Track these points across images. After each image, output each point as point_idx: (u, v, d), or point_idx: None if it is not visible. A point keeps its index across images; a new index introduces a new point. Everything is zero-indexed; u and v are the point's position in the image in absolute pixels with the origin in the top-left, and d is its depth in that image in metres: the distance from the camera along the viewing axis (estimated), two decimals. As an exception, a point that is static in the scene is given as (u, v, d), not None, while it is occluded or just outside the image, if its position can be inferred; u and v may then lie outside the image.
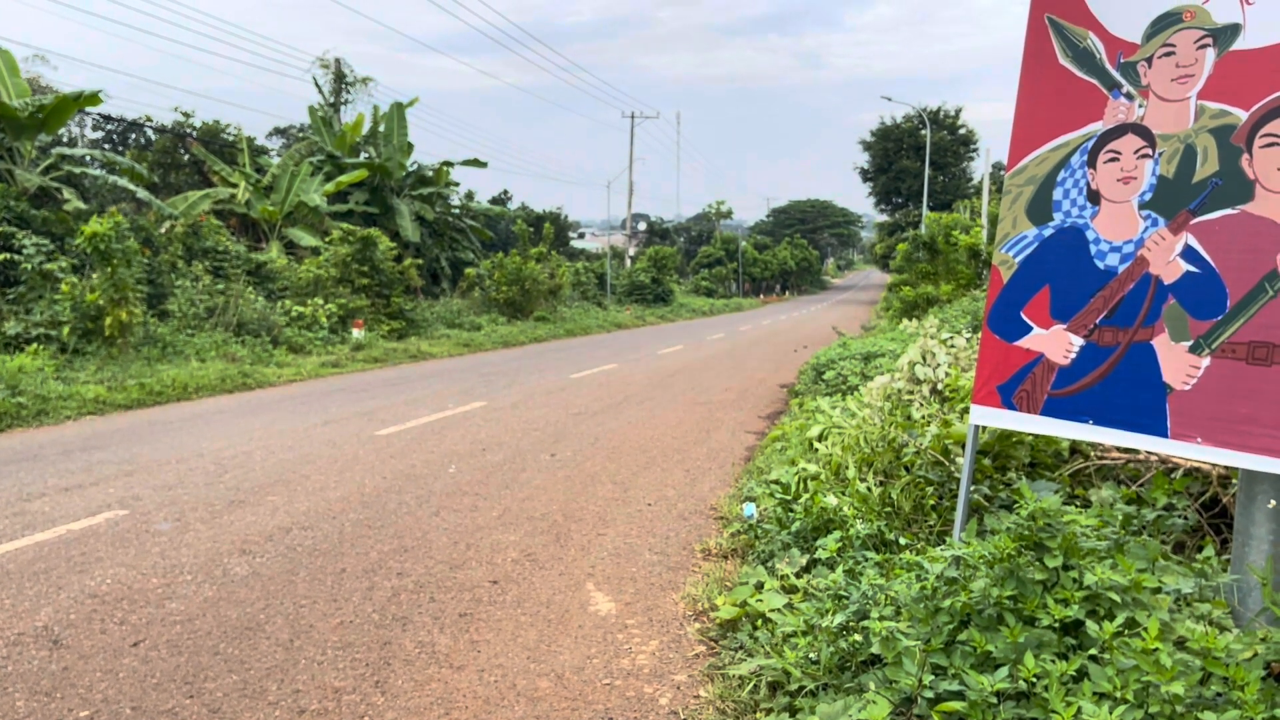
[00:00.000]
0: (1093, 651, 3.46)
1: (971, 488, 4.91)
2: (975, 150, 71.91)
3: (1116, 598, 3.56)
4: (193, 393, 14.36)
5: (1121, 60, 3.98)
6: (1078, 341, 4.06)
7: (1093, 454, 6.23)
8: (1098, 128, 4.04)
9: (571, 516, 7.49)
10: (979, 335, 9.76)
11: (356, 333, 22.09)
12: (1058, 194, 4.16)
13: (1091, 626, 3.45)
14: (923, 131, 66.47)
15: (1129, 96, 3.95)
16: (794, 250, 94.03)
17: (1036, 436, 6.19)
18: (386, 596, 5.56)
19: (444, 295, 34.01)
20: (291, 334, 20.30)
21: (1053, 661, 3.44)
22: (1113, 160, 3.97)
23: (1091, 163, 4.05)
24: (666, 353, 24.47)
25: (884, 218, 78.71)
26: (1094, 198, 4.04)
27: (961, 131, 71.79)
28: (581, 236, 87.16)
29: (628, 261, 59.06)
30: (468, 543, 6.69)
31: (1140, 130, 3.91)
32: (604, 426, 11.86)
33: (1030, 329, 4.24)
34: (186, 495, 7.82)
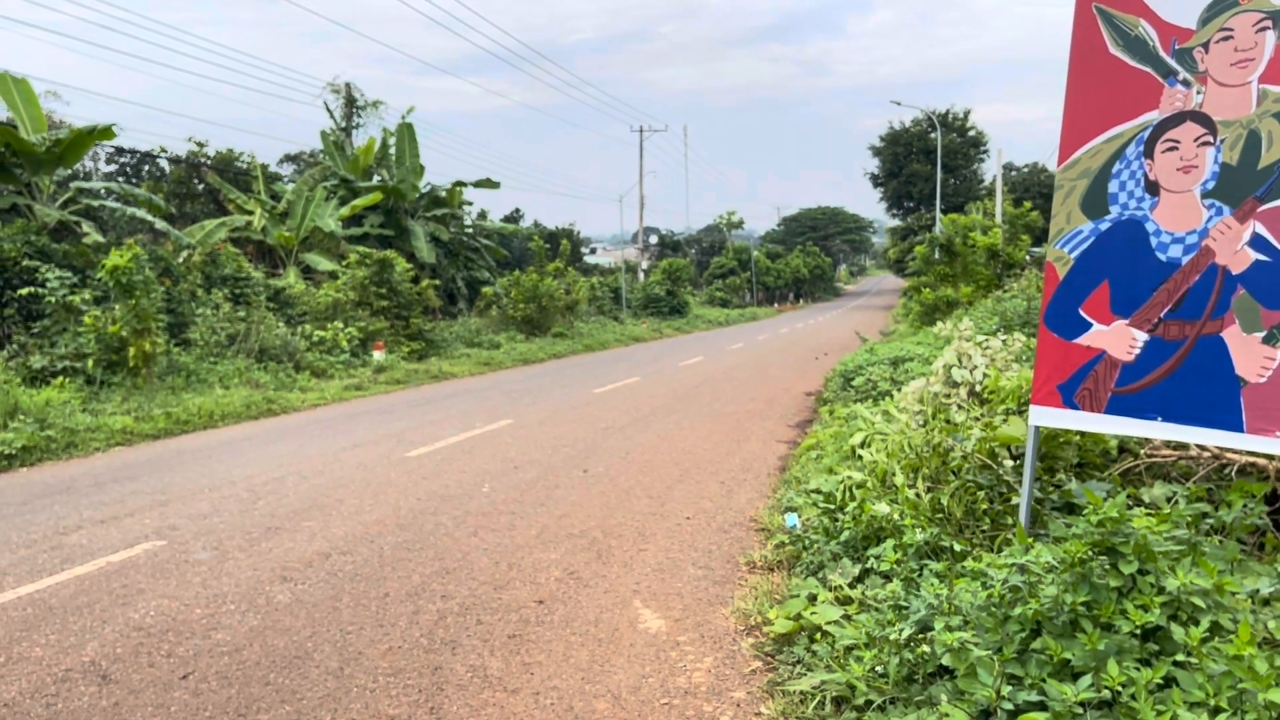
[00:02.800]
0: (1178, 657, 3.35)
1: (1026, 491, 4.79)
2: (985, 151, 71.59)
3: (1200, 602, 3.44)
4: (218, 420, 14.34)
5: (1176, 47, 3.88)
6: (1141, 337, 3.95)
7: (1142, 452, 6.09)
8: (1154, 117, 3.94)
9: (610, 533, 7.39)
10: (1013, 336, 9.61)
11: (377, 355, 22.07)
12: (1113, 186, 4.06)
13: (1177, 631, 3.34)
14: (932, 135, 66.28)
15: (1185, 84, 3.86)
16: (806, 258, 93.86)
17: (1084, 435, 6.06)
18: (433, 620, 5.47)
19: (461, 315, 34.02)
20: (313, 358, 20.29)
21: (1136, 669, 3.33)
22: (1171, 149, 3.88)
23: (1148, 153, 3.95)
24: (687, 364, 24.38)
25: (896, 222, 78.39)
26: (1153, 188, 3.94)
27: (971, 133, 71.48)
28: (593, 251, 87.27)
29: (641, 275, 59.02)
30: (509, 562, 6.60)
31: (1199, 117, 3.81)
32: (633, 441, 11.77)
33: (1090, 325, 4.14)
34: (222, 524, 7.77)
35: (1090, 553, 3.74)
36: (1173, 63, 3.89)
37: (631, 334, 39.40)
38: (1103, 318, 4.09)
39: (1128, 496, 5.62)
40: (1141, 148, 3.97)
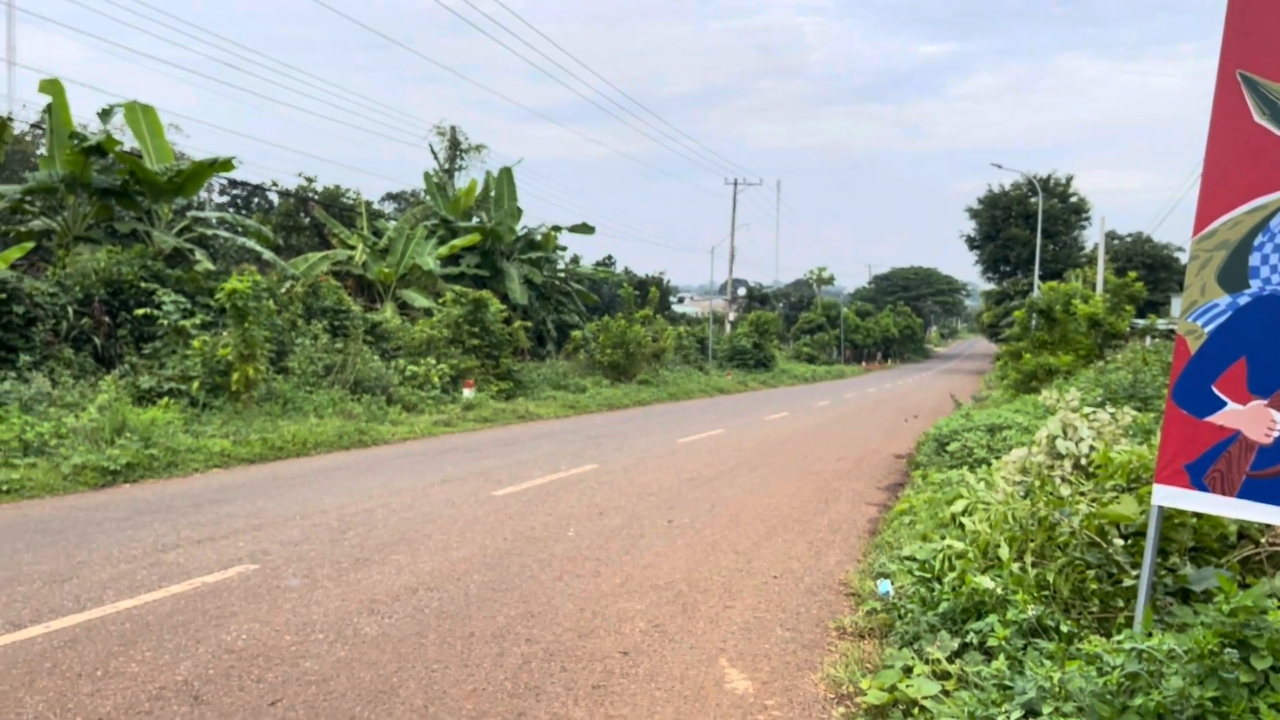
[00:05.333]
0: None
1: (1146, 574, 4.55)
2: (1087, 218, 69.92)
3: (1343, 706, 3.20)
4: (312, 449, 14.65)
5: (1329, 117, 3.71)
6: (1281, 419, 3.74)
7: (1263, 540, 5.76)
8: (1302, 189, 3.76)
9: (696, 586, 7.27)
10: (1121, 410, 9.23)
11: (467, 392, 22.38)
12: (1255, 259, 3.88)
13: (1318, 738, 3.10)
14: (1032, 199, 65.15)
15: (1338, 156, 3.67)
16: (897, 318, 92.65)
17: (1201, 517, 5.76)
18: (517, 664, 5.42)
19: (549, 357, 34.39)
20: (405, 392, 20.66)
21: (1271, 775, 3.10)
22: (1321, 224, 3.69)
23: (1295, 226, 3.76)
24: (773, 419, 24.14)
25: (990, 286, 76.97)
26: (1299, 264, 3.75)
27: (1073, 199, 69.99)
28: (681, 301, 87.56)
29: (728, 327, 58.92)
30: (593, 610, 6.53)
31: (1353, 192, 3.62)
32: (719, 494, 11.64)
33: (1224, 404, 3.93)
34: (313, 551, 7.87)
35: (1220, 644, 3.52)
36: (1324, 134, 3.72)
37: (716, 385, 39.26)
38: (1239, 396, 3.89)
39: (1244, 586, 5.32)
40: (1287, 221, 3.79)
